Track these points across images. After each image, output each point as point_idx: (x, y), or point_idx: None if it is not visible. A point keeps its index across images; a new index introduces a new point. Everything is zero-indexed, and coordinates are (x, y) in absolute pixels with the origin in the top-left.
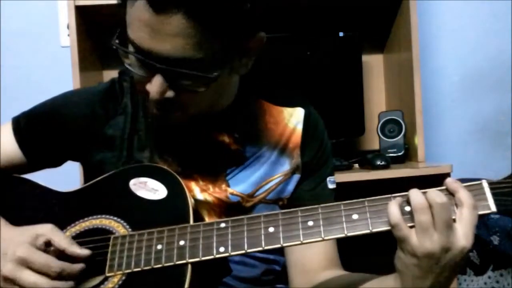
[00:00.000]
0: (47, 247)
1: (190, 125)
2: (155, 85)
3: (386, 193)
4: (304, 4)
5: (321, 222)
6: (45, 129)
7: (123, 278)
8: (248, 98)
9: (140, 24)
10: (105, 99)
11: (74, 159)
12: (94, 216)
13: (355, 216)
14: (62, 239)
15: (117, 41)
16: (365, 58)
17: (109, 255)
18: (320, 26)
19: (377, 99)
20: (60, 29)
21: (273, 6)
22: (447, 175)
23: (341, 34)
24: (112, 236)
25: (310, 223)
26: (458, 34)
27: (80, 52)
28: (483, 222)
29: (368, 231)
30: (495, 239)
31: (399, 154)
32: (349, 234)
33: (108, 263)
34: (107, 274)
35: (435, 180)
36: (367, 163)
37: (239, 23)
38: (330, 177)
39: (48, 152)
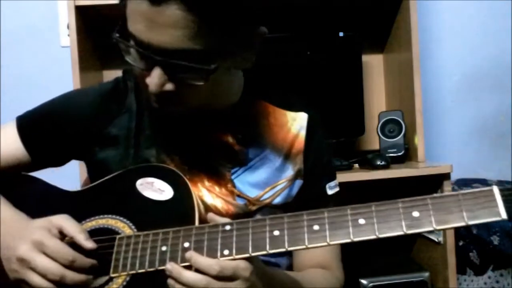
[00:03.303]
0: (62, 235)
1: (196, 125)
2: (154, 78)
3: (386, 193)
4: (304, 4)
5: (327, 226)
6: (49, 128)
7: (127, 279)
8: (252, 99)
9: (138, 16)
10: (108, 99)
11: (78, 158)
12: (101, 216)
13: (361, 221)
14: (73, 226)
15: (117, 35)
16: (365, 58)
17: (114, 255)
18: (320, 26)
19: (377, 99)
20: (60, 29)
21: (273, 6)
22: (447, 175)
23: (341, 34)
24: (117, 237)
25: (316, 227)
26: (458, 34)
27: (80, 52)
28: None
29: (374, 237)
30: (495, 239)
31: (399, 154)
32: (355, 239)
33: (112, 263)
34: (112, 275)
35: (435, 180)
36: (367, 163)
37: (237, 15)
38: (330, 182)
39: (52, 151)
